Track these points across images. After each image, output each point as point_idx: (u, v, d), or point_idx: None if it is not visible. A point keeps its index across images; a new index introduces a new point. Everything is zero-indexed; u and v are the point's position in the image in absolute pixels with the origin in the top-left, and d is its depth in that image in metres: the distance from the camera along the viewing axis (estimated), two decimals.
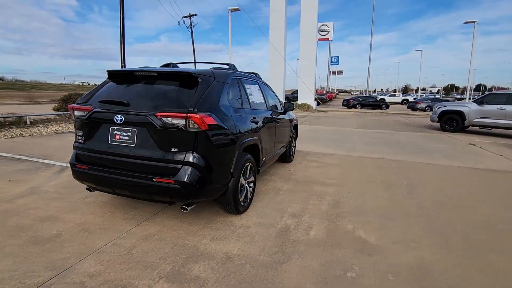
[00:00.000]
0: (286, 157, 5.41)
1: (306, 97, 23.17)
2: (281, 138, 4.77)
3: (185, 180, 2.40)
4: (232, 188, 2.85)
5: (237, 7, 19.75)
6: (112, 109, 2.60)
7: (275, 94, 4.92)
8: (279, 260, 2.35)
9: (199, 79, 2.65)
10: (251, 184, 3.41)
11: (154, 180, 2.44)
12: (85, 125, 2.75)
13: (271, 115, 4.15)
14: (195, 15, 37.29)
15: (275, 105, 4.79)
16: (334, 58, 78.35)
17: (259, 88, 4.03)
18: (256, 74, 4.42)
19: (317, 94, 32.16)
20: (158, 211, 3.18)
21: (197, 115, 2.38)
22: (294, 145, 5.82)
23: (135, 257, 2.32)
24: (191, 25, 38.91)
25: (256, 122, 3.46)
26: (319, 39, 58.05)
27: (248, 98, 3.50)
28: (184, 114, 2.37)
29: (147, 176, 2.48)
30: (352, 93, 74.10)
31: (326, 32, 57.76)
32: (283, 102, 5.03)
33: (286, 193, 3.94)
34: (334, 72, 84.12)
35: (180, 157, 2.44)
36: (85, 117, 2.69)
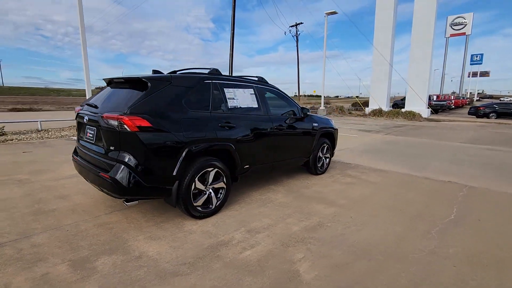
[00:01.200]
0: (310, 169, 4.87)
1: (415, 104, 19.75)
2: (293, 146, 4.35)
3: (116, 176, 2.58)
4: (176, 191, 2.84)
5: (333, 11, 18.85)
6: (88, 110, 3.08)
7: (292, 100, 4.52)
8: (178, 272, 2.21)
9: (149, 84, 2.80)
10: (221, 191, 3.28)
11: (99, 174, 2.73)
12: (77, 123, 3.35)
13: (269, 120, 3.87)
14: (301, 23, 38.05)
15: (292, 111, 4.42)
16: (476, 56, 63.84)
17: (253, 93, 3.82)
18: (261, 78, 4.21)
19: (437, 101, 26.96)
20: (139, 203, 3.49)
21: (126, 117, 2.53)
22: (326, 155, 5.16)
23: (75, 239, 2.66)
24: (296, 33, 39.94)
25: (231, 127, 3.32)
26: (451, 35, 49.03)
27: (226, 102, 3.40)
28: (116, 116, 2.56)
29: (96, 169, 2.80)
30: (502, 99, 57.43)
31: (462, 26, 47.83)
32: (300, 108, 4.56)
33: (274, 206, 3.57)
34: (475, 74, 68.29)
35: (115, 155, 2.65)
36: (75, 117, 3.29)
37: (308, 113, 4.58)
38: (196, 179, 2.98)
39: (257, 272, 2.22)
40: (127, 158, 2.62)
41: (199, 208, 3.07)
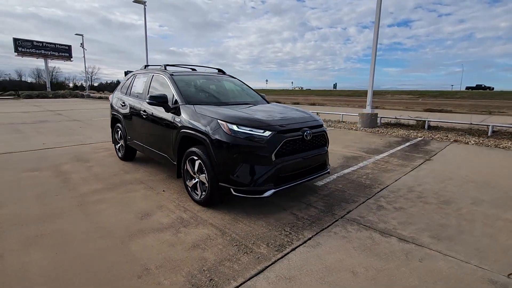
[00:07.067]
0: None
1: None
2: (154, 138, 4.17)
3: None
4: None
5: None
6: None
7: (174, 88, 3.87)
8: None
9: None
10: (121, 147, 5.44)
11: None
12: None
13: (140, 104, 4.56)
14: None
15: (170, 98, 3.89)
16: None
17: (145, 81, 4.68)
18: (164, 66, 4.47)
19: None
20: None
21: None
22: (202, 176, 3.21)
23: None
24: None
25: (123, 106, 5.09)
26: None
27: (130, 88, 5.09)
28: None
29: None
30: None
31: None
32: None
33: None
34: None
35: None
36: None
37: (180, 102, 3.59)
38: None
39: None
40: None
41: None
